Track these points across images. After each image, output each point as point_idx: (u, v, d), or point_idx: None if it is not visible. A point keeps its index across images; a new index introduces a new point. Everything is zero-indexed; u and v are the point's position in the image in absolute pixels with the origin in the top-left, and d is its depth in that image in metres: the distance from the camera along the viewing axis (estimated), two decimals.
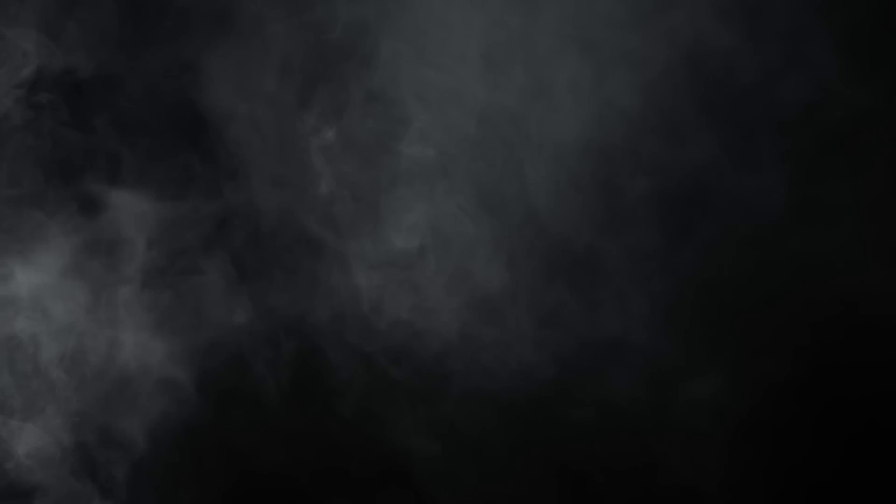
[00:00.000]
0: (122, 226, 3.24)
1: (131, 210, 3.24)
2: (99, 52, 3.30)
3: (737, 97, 3.24)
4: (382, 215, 3.25)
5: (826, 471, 3.16)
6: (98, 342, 3.18)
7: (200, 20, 3.32)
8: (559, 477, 3.21)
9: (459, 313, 3.21)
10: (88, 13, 3.29)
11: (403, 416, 3.20)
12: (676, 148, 3.24)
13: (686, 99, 3.25)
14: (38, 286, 3.19)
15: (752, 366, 3.18)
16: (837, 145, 3.22)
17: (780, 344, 3.19)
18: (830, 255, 3.19)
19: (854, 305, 3.17)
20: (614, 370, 3.19)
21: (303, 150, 3.29)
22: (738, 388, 3.18)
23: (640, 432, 3.19)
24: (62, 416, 3.14)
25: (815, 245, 3.19)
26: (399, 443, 3.19)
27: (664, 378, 3.19)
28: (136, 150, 3.28)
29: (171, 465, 3.18)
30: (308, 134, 3.28)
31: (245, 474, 3.20)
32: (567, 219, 3.24)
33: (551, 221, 3.24)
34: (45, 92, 3.27)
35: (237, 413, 3.20)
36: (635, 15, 3.26)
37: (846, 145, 3.21)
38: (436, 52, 3.29)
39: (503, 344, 3.20)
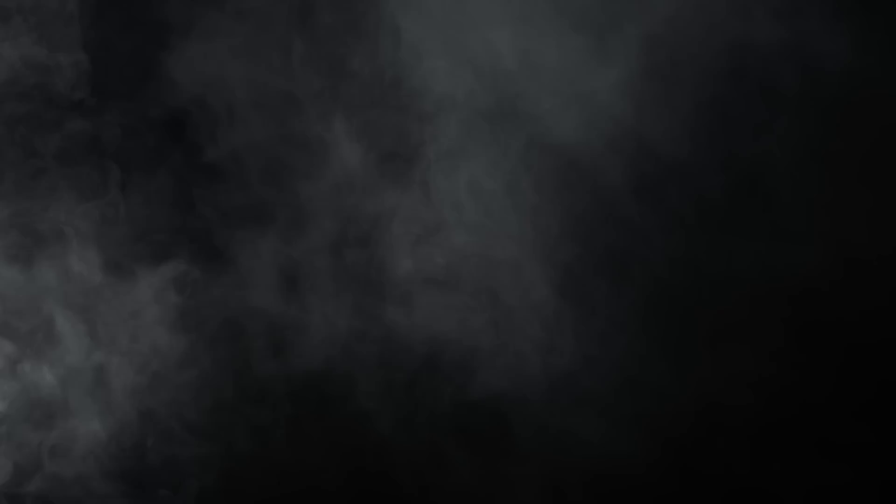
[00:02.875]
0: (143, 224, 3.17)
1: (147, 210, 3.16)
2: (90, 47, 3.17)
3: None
4: (399, 226, 3.20)
5: None
6: (132, 350, 3.14)
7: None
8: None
9: (492, 328, 3.18)
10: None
11: (433, 433, 3.16)
12: (696, 146, 3.24)
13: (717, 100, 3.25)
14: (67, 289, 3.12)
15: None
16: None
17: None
18: None
19: None
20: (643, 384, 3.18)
21: (315, 153, 3.21)
22: None
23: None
24: (103, 421, 3.11)
25: None
26: (429, 461, 3.15)
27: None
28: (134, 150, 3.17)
29: (206, 475, 3.11)
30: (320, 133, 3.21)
31: (278, 490, 3.15)
32: (603, 224, 3.22)
33: (588, 228, 3.22)
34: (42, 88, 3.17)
35: (269, 430, 3.14)
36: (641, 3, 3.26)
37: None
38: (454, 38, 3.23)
39: (539, 359, 3.18)
